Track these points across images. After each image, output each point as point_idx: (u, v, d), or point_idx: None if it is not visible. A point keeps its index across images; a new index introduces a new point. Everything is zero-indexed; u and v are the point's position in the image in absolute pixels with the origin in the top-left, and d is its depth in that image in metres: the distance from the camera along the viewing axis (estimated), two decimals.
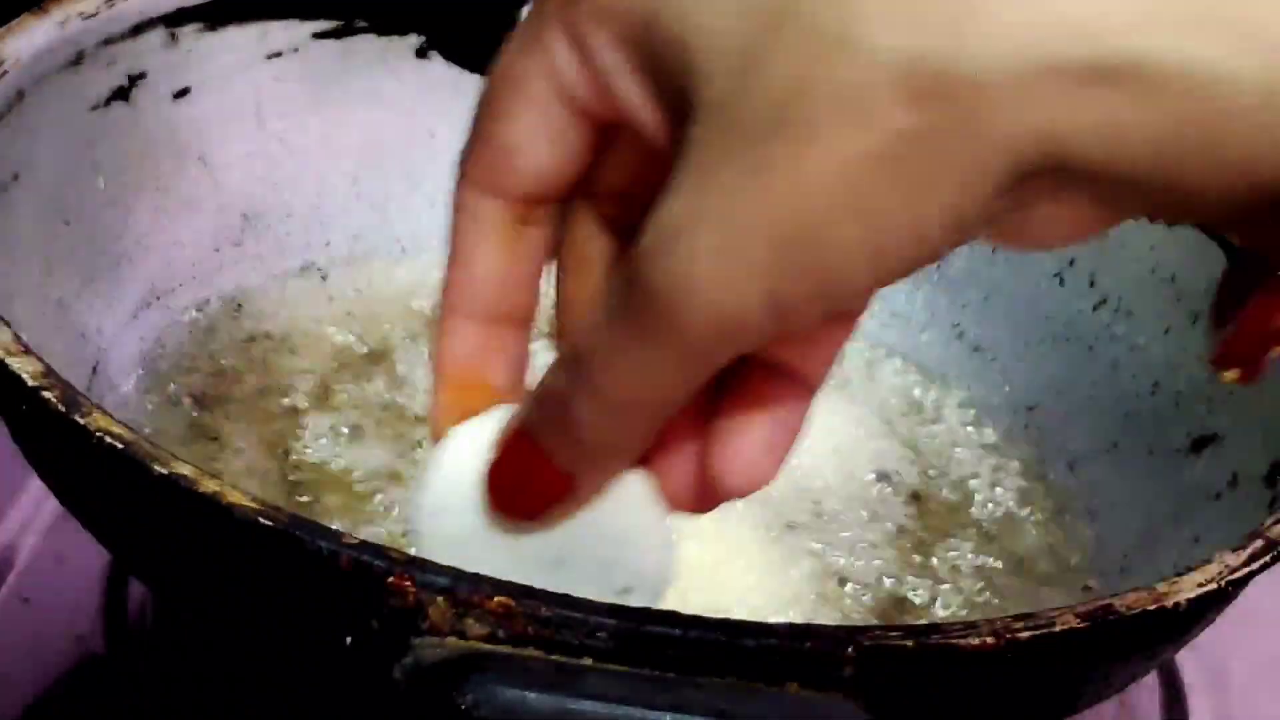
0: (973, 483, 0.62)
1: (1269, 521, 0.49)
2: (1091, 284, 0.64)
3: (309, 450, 0.59)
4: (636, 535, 0.40)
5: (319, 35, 0.66)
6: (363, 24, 0.66)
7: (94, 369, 0.58)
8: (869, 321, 0.68)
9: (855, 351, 0.67)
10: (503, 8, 0.68)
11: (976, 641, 0.43)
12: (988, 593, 0.58)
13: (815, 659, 0.42)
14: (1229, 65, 0.31)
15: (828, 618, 0.55)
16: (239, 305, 0.63)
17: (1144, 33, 0.31)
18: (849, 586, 0.57)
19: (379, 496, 0.58)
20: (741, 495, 0.38)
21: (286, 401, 0.60)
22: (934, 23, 0.31)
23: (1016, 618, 0.44)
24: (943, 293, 0.67)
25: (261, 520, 0.43)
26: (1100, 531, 0.60)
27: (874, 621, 0.55)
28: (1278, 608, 0.67)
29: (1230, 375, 0.38)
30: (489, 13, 0.68)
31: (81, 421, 0.45)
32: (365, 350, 0.63)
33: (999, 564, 0.59)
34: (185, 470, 0.44)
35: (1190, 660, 0.64)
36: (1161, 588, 0.46)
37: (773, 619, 0.54)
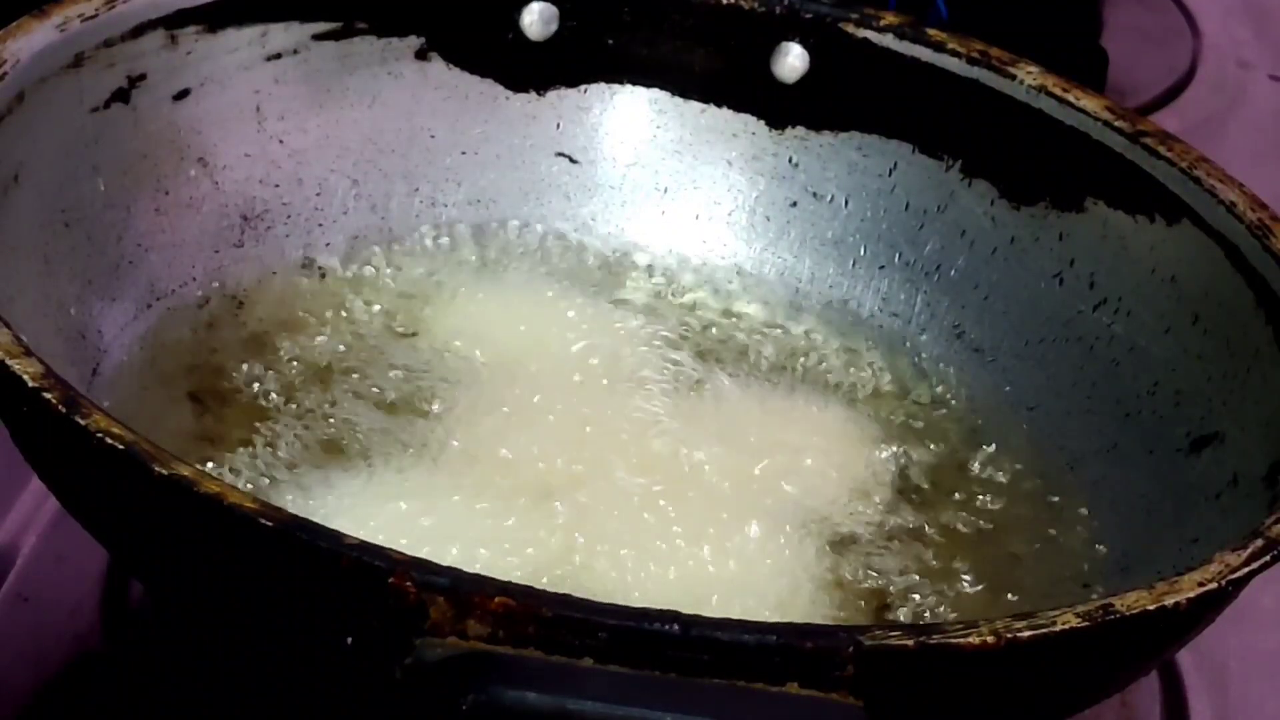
0: (972, 483, 0.62)
1: (1269, 521, 0.49)
2: (1091, 284, 0.64)
3: (309, 450, 0.58)
4: None
5: (319, 37, 0.66)
6: (363, 25, 0.66)
7: (94, 369, 0.58)
8: (868, 321, 0.68)
9: (854, 352, 0.67)
10: (503, 8, 0.68)
11: (976, 641, 0.43)
12: (987, 593, 0.58)
13: (815, 659, 0.42)
14: None
15: (827, 617, 0.55)
16: (239, 305, 0.63)
17: None
18: (848, 586, 0.57)
19: None
20: None
21: (287, 401, 0.60)
22: None
23: (1016, 617, 0.44)
24: (943, 293, 0.67)
25: (261, 520, 0.43)
26: (1100, 531, 0.60)
27: (874, 621, 0.55)
28: (1278, 608, 0.67)
29: None
30: (489, 13, 0.68)
31: (81, 422, 0.45)
32: (365, 350, 0.63)
33: (999, 564, 0.59)
34: (185, 471, 0.44)
35: (1190, 660, 0.64)
36: (1161, 588, 0.46)
37: (772, 618, 0.54)
